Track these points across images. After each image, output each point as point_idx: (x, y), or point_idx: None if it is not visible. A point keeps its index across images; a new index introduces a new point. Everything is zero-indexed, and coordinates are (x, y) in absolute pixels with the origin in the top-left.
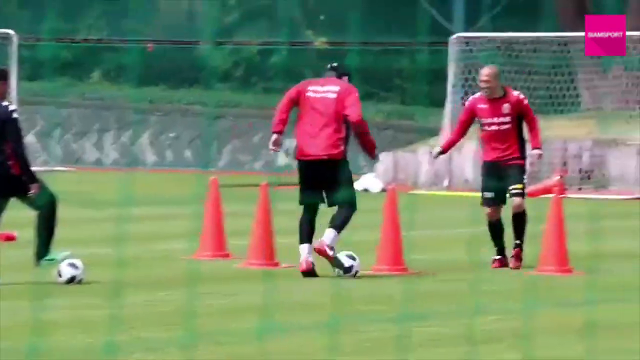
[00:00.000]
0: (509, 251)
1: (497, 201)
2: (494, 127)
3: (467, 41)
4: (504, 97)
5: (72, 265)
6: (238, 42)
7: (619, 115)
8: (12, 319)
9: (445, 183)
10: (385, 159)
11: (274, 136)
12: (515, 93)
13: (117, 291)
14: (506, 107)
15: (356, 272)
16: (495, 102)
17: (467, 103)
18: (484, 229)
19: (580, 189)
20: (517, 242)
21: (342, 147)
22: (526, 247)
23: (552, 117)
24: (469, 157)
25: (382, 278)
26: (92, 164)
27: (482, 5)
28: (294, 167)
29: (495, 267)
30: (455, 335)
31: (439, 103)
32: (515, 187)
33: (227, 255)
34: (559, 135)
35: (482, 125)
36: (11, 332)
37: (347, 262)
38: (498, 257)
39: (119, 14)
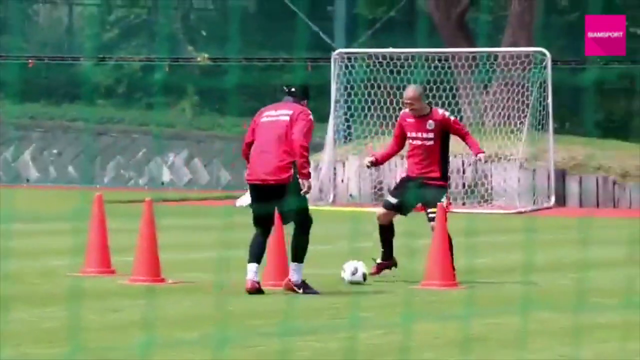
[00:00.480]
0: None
1: (395, 208)
2: (417, 142)
3: (349, 56)
4: (429, 114)
5: None
6: (120, 58)
7: (500, 130)
8: None
9: (330, 198)
10: None
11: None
12: (441, 112)
13: (2, 306)
14: (430, 124)
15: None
16: (420, 118)
17: (400, 117)
18: (367, 244)
19: (464, 203)
20: (454, 265)
21: (291, 171)
22: (410, 261)
23: None
24: (354, 172)
25: (268, 293)
26: None
27: (362, 21)
28: (177, 183)
29: (373, 272)
30: (340, 349)
31: (323, 119)
32: (432, 211)
33: (112, 272)
34: None
35: (408, 139)
36: None
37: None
38: (379, 262)
39: None
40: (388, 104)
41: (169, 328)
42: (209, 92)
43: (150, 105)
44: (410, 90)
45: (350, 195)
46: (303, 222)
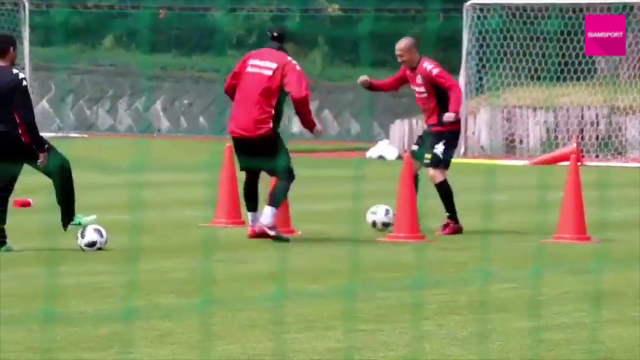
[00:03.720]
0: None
1: (415, 157)
2: (416, 95)
3: (482, 7)
4: (417, 68)
5: (98, 231)
6: (251, 8)
7: (636, 83)
8: (27, 285)
9: (461, 150)
10: (400, 126)
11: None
12: (425, 64)
13: (133, 257)
14: (419, 78)
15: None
16: (413, 72)
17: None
18: (500, 197)
19: (597, 156)
20: (447, 214)
21: (270, 125)
22: (544, 215)
23: (567, 84)
24: (485, 124)
25: (398, 245)
26: (105, 130)
27: None
28: (307, 135)
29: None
30: (468, 302)
31: (454, 70)
32: (426, 157)
33: (242, 222)
34: (575, 102)
35: (402, 83)
36: (26, 299)
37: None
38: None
39: None
40: (521, 55)
41: (299, 280)
42: (339, 43)
43: None
44: (401, 42)
45: (482, 147)
46: (286, 175)
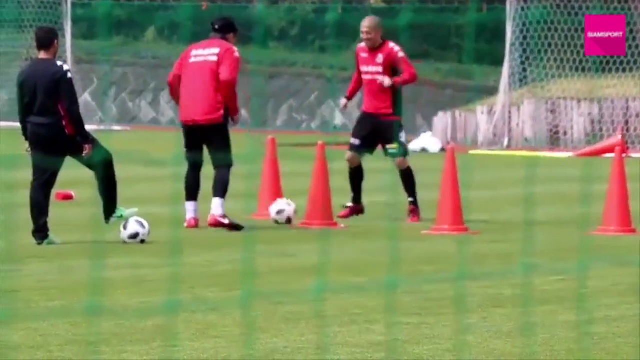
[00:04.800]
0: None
1: (360, 150)
2: (368, 77)
3: None
4: (380, 47)
5: (139, 223)
6: (293, 0)
7: None
8: (71, 278)
9: (505, 142)
10: (443, 118)
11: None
12: (392, 45)
13: (176, 250)
14: (379, 57)
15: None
16: (373, 52)
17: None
18: (545, 189)
19: None
20: (410, 199)
21: (221, 111)
22: (589, 207)
23: (613, 75)
24: (529, 116)
25: (442, 238)
26: (148, 122)
27: None
28: (350, 127)
29: (343, 215)
30: (513, 295)
31: (498, 61)
32: (391, 147)
33: None
34: (620, 94)
35: (362, 74)
36: (70, 291)
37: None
38: (349, 205)
39: None
40: (566, 46)
41: (342, 273)
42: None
43: (323, 48)
44: (368, 19)
45: (526, 139)
46: (227, 161)
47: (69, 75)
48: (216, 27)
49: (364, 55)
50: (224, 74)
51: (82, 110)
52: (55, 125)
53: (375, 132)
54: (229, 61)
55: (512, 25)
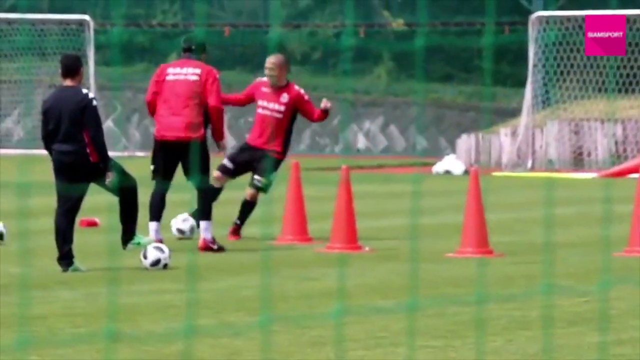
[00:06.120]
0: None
1: (230, 173)
2: (266, 112)
3: (547, 20)
4: (285, 87)
5: (158, 248)
6: (314, 24)
7: None
8: (94, 304)
9: (529, 164)
10: (466, 140)
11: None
12: (297, 87)
13: (199, 275)
14: (284, 97)
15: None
16: (277, 90)
17: (254, 82)
18: (569, 210)
19: None
20: (238, 222)
21: (202, 130)
22: (614, 228)
23: (636, 96)
24: (552, 137)
25: (467, 260)
26: None
27: None
28: (373, 150)
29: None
30: (538, 317)
31: (520, 83)
32: (259, 179)
33: (309, 239)
34: None
35: (258, 107)
36: (93, 318)
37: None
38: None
39: None
40: (588, 67)
41: (364, 296)
42: (404, 58)
43: (345, 72)
44: (275, 57)
45: (549, 160)
46: (205, 183)
47: (94, 102)
48: (192, 47)
49: (265, 89)
50: (212, 100)
51: (105, 137)
52: (79, 153)
53: (253, 162)
54: (214, 87)
55: (535, 47)
